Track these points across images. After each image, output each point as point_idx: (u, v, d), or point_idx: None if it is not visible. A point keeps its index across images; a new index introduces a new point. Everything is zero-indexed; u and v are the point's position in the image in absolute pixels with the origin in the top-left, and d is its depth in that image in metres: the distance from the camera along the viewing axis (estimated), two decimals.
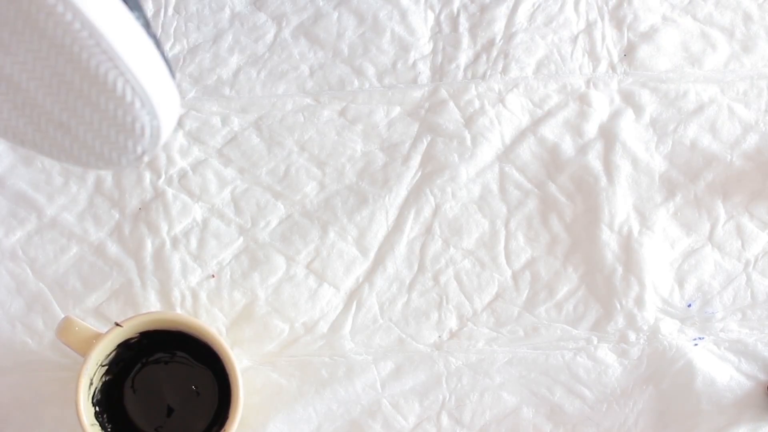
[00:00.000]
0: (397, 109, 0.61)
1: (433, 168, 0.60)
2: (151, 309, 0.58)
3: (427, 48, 0.62)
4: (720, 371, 0.57)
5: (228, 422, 0.53)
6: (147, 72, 0.38)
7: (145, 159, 0.40)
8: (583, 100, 0.61)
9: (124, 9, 0.38)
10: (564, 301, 0.59)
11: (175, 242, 0.59)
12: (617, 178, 0.60)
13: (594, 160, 0.60)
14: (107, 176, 0.60)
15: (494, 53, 0.62)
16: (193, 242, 0.59)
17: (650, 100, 0.61)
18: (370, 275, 0.59)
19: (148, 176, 0.60)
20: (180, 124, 0.60)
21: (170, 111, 0.40)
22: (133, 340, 0.55)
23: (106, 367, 0.55)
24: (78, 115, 0.38)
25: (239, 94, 0.61)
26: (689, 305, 0.59)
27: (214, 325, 0.58)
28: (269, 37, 0.62)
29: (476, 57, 0.62)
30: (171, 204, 0.59)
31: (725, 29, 0.62)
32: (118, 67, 0.37)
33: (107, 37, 0.37)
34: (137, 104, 0.38)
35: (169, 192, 0.60)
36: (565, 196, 0.60)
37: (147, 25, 0.40)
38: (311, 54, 0.62)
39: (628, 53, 0.62)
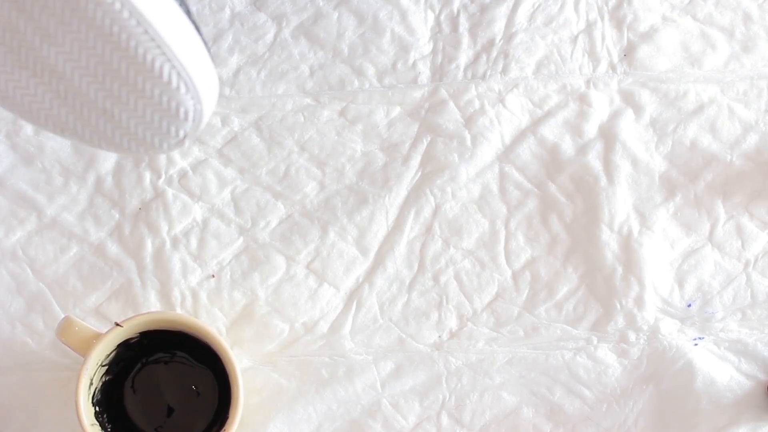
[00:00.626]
0: (397, 109, 0.61)
1: (433, 168, 0.60)
2: (151, 309, 0.58)
3: (427, 48, 0.62)
4: (720, 371, 0.57)
5: (228, 422, 0.53)
6: (191, 57, 0.39)
7: (186, 143, 0.41)
8: (583, 100, 0.61)
9: (174, 3, 0.39)
10: (564, 301, 0.59)
11: (175, 242, 0.59)
12: (617, 178, 0.60)
13: (594, 160, 0.60)
14: (107, 176, 0.60)
15: (494, 53, 0.62)
16: (193, 242, 0.59)
17: (650, 100, 0.61)
18: (370, 275, 0.59)
19: (148, 176, 0.60)
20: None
21: (212, 94, 0.41)
22: (133, 340, 0.55)
23: (106, 367, 0.55)
24: (122, 102, 0.39)
25: (239, 94, 0.61)
26: (689, 305, 0.59)
27: (214, 325, 0.58)
28: (269, 37, 0.62)
29: (476, 57, 0.62)
30: (171, 204, 0.59)
31: (725, 29, 0.62)
32: (165, 53, 0.38)
33: (155, 24, 0.38)
34: (182, 89, 0.39)
35: (169, 192, 0.60)
36: (565, 196, 0.60)
37: (188, 12, 0.40)
38: (311, 54, 0.62)
39: (628, 53, 0.62)
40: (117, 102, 0.39)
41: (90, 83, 0.39)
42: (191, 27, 0.40)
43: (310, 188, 0.60)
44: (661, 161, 0.60)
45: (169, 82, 0.39)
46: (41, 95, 0.39)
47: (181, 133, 0.40)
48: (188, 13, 0.41)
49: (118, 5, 0.37)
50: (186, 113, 0.39)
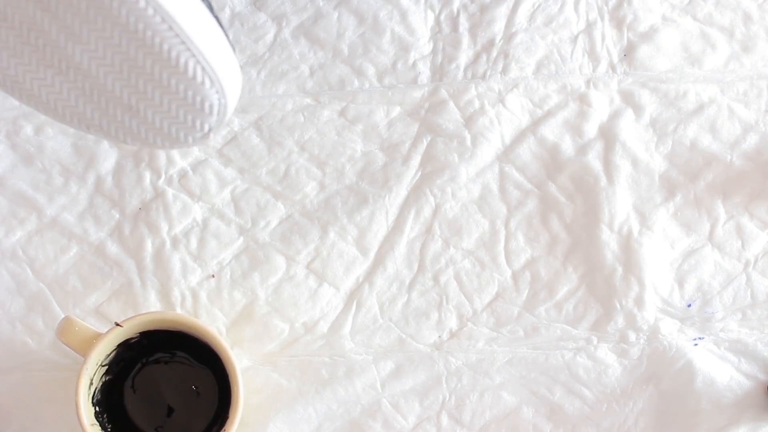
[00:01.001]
0: (397, 109, 0.61)
1: (433, 168, 0.60)
2: (151, 309, 0.58)
3: (427, 48, 0.62)
4: (720, 371, 0.57)
5: (228, 422, 0.53)
6: (215, 52, 0.40)
7: (211, 136, 0.41)
8: (583, 100, 0.61)
9: None
10: (564, 301, 0.59)
11: (175, 242, 0.59)
12: (617, 178, 0.60)
13: (594, 160, 0.60)
14: (107, 176, 0.60)
15: (494, 53, 0.62)
16: (193, 242, 0.59)
17: (650, 100, 0.61)
18: (370, 275, 0.59)
19: (148, 176, 0.60)
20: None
21: (235, 88, 0.41)
22: (133, 340, 0.55)
23: (106, 367, 0.55)
24: (147, 98, 0.40)
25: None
26: (689, 305, 0.59)
27: (214, 325, 0.58)
28: (269, 37, 0.62)
29: (476, 57, 0.62)
30: (171, 204, 0.59)
31: (725, 29, 0.62)
32: (190, 49, 0.39)
33: (179, 21, 0.38)
34: (207, 84, 0.39)
35: (169, 192, 0.60)
36: (565, 196, 0.60)
37: (210, 7, 0.41)
38: (311, 54, 0.62)
39: (628, 53, 0.62)
40: (142, 98, 0.40)
41: (115, 80, 0.39)
42: (214, 22, 0.41)
43: (310, 188, 0.60)
44: (661, 161, 0.60)
45: (194, 77, 0.39)
46: (66, 92, 0.40)
47: (206, 127, 0.41)
48: (211, 8, 0.41)
49: (142, 3, 0.38)
50: (211, 107, 0.40)
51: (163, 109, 0.40)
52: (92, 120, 0.41)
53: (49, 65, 0.39)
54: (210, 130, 0.41)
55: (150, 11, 0.38)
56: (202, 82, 0.39)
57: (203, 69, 0.39)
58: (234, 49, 0.42)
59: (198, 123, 0.41)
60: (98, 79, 0.39)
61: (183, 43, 0.39)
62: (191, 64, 0.39)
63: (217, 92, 0.40)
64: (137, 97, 0.40)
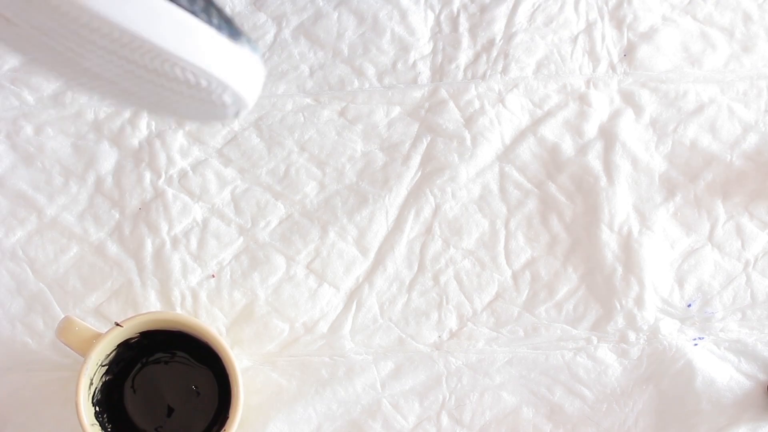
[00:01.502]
0: (397, 109, 0.61)
1: (433, 168, 0.60)
2: (151, 309, 0.58)
3: (427, 48, 0.62)
4: (720, 371, 0.57)
5: (228, 422, 0.53)
6: (201, 52, 0.41)
7: (242, 114, 0.43)
8: (583, 100, 0.61)
9: (162, 3, 0.40)
10: (564, 301, 0.59)
11: (175, 242, 0.59)
12: (617, 178, 0.60)
13: (594, 160, 0.60)
14: (107, 176, 0.60)
15: (494, 53, 0.62)
16: (193, 242, 0.59)
17: (650, 100, 0.61)
18: (370, 275, 0.59)
19: (148, 176, 0.60)
20: (180, 123, 0.61)
21: (245, 77, 0.42)
22: (133, 340, 0.55)
23: (106, 367, 0.55)
24: (165, 98, 0.42)
25: None
26: (689, 305, 0.59)
27: (214, 325, 0.58)
28: (269, 37, 0.62)
29: (476, 57, 0.62)
30: (171, 204, 0.59)
31: (725, 29, 0.62)
32: (170, 59, 0.40)
33: (153, 39, 0.40)
34: (203, 83, 0.40)
35: (169, 192, 0.60)
36: (565, 196, 0.60)
37: (192, 3, 0.41)
38: (311, 54, 0.62)
39: (628, 53, 0.62)
40: (162, 98, 0.41)
41: (132, 85, 0.41)
42: (197, 22, 0.41)
43: (310, 188, 0.60)
44: (661, 161, 0.60)
45: (188, 80, 0.40)
46: (108, 90, 0.42)
47: (230, 112, 0.42)
48: (191, 4, 0.41)
49: (117, 33, 0.39)
50: (222, 101, 0.41)
51: (183, 104, 0.41)
52: (141, 107, 0.44)
53: (81, 74, 0.42)
54: (238, 112, 0.42)
55: (126, 38, 0.39)
56: (198, 83, 0.40)
57: (194, 73, 0.40)
58: (234, 32, 0.42)
59: (219, 112, 0.42)
60: (120, 84, 0.42)
61: (162, 55, 0.39)
62: (179, 71, 0.40)
63: (218, 87, 0.40)
64: (158, 97, 0.41)
